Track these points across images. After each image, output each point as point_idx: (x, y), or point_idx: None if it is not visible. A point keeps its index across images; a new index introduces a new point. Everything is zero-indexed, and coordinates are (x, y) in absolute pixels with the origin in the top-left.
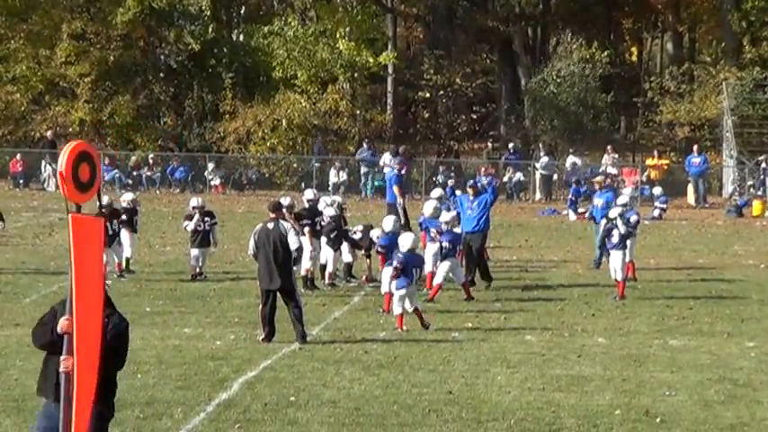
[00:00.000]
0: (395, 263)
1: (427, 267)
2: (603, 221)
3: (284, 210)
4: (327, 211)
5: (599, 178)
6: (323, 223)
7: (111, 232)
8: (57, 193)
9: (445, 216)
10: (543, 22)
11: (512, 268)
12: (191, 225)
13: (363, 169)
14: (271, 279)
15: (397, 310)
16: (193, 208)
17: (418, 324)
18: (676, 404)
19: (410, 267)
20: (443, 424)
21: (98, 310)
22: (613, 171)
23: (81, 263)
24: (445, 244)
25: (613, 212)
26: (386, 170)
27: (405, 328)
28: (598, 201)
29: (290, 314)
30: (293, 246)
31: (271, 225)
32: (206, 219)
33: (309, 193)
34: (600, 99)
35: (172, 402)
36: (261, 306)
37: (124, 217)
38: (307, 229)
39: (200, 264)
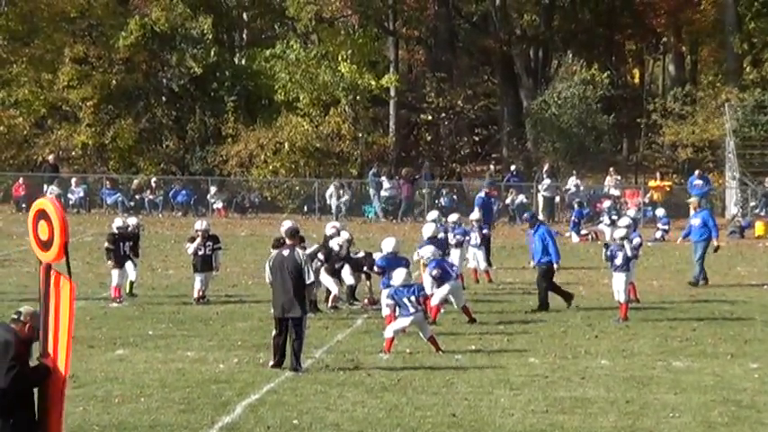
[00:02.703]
0: (375, 267)
1: (427, 290)
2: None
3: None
4: (335, 241)
5: (694, 200)
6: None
7: (122, 254)
8: None
9: (426, 251)
10: (545, 44)
11: (515, 290)
12: (191, 248)
13: (371, 191)
14: (284, 308)
15: (389, 333)
16: (197, 231)
17: (421, 347)
18: (680, 426)
19: (391, 269)
20: None
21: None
22: (616, 193)
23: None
24: (434, 273)
25: (618, 234)
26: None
27: (391, 352)
28: (695, 221)
29: (290, 344)
30: (308, 279)
31: (286, 252)
32: (208, 243)
33: (336, 224)
34: (602, 121)
35: (175, 426)
36: (274, 334)
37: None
38: (324, 267)
39: (204, 287)
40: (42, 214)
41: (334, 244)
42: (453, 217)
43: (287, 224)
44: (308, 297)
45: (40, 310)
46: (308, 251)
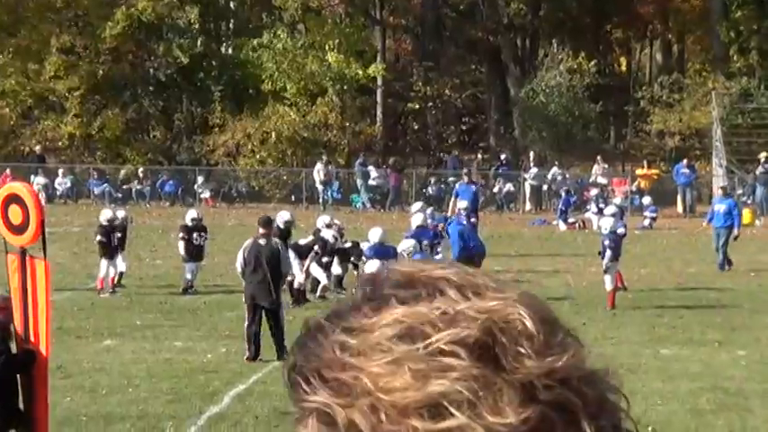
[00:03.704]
0: (363, 257)
1: None
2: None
3: (275, 226)
4: (326, 233)
5: (722, 185)
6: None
7: (112, 246)
8: (47, 208)
9: (407, 244)
10: (532, 33)
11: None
12: (186, 243)
13: (359, 181)
14: (259, 297)
15: None
16: (192, 220)
17: None
18: (668, 413)
19: (379, 258)
20: None
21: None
22: (603, 181)
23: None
24: None
25: (605, 223)
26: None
27: None
28: (720, 206)
29: (271, 333)
30: (286, 268)
31: (263, 242)
32: (202, 234)
33: (326, 219)
34: (589, 109)
35: (163, 416)
36: (247, 324)
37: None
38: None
39: (193, 277)
40: (13, 199)
41: (328, 235)
42: (428, 210)
43: (284, 214)
44: (280, 287)
45: (9, 294)
46: (303, 242)
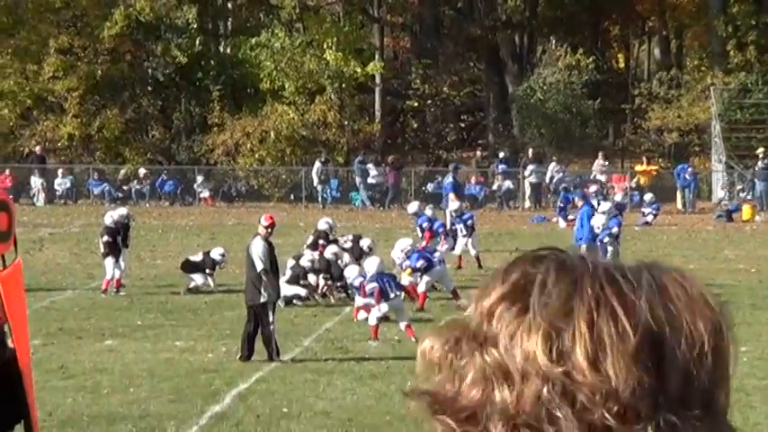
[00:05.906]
0: (368, 287)
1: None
2: None
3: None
4: (330, 255)
5: None
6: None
7: (117, 247)
8: (46, 208)
9: (402, 243)
10: (530, 30)
11: None
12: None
13: (358, 180)
14: (246, 295)
15: (372, 320)
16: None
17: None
18: None
19: (386, 287)
20: None
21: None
22: (602, 178)
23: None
24: (418, 264)
25: (597, 221)
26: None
27: (380, 339)
28: None
29: (261, 332)
30: (257, 267)
31: (250, 240)
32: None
33: (325, 223)
34: (587, 106)
35: (165, 416)
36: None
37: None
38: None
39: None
40: (1, 206)
41: (332, 261)
42: (429, 211)
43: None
44: (268, 284)
45: None
46: (311, 257)
